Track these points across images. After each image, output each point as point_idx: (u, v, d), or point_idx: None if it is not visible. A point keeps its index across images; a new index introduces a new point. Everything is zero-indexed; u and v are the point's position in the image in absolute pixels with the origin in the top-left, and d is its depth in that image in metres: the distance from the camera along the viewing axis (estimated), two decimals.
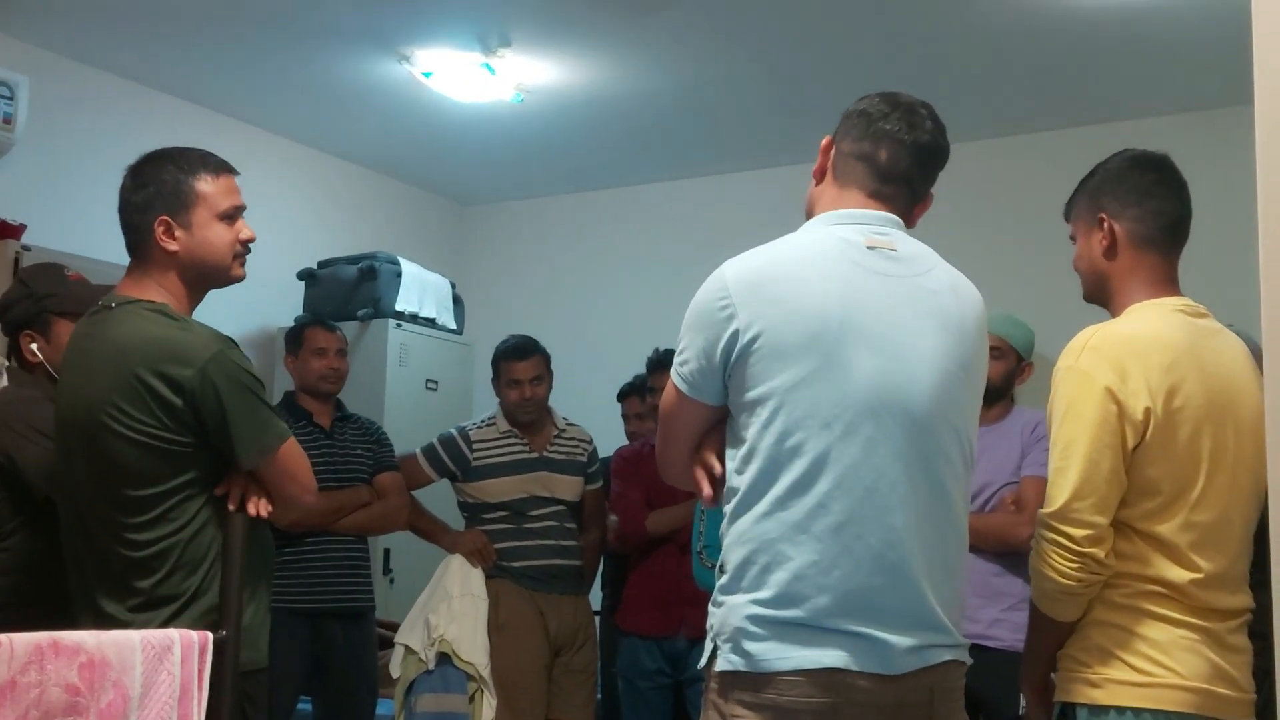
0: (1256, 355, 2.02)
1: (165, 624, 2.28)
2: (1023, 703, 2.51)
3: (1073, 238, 2.36)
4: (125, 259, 2.54)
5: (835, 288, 1.96)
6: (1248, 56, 1.84)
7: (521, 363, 4.15)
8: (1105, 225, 2.26)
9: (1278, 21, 1.81)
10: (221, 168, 2.52)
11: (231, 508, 2.35)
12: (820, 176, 2.17)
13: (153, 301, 2.42)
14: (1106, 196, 2.27)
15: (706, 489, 2.10)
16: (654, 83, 4.92)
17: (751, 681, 1.92)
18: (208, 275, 2.50)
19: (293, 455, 2.42)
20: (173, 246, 2.44)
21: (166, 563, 2.32)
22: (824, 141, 2.18)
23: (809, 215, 2.16)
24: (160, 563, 2.32)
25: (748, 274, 2.00)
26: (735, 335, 1.96)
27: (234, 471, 2.39)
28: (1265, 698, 2.06)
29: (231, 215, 2.49)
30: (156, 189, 2.44)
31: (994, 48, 4.49)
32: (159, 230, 2.43)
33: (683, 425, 2.11)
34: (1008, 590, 3.36)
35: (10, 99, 4.32)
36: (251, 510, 2.36)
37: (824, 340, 1.93)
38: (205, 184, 2.47)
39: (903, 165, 2.10)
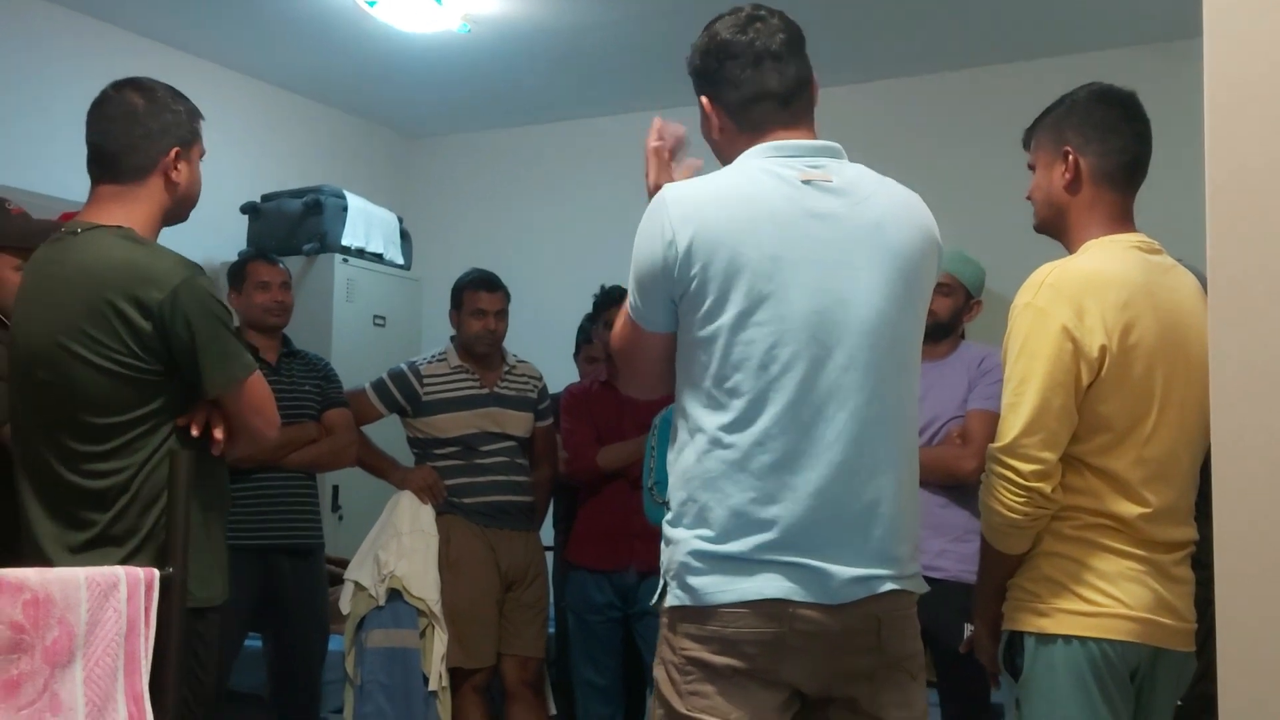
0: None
1: (123, 563, 2.26)
2: (967, 631, 2.56)
3: (1031, 166, 2.36)
4: (68, 193, 2.52)
5: (771, 227, 1.97)
6: None
7: (489, 294, 4.18)
8: (1070, 159, 2.25)
9: None
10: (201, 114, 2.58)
11: (195, 433, 2.34)
12: (716, 131, 2.16)
13: (119, 227, 2.39)
14: (1071, 129, 2.27)
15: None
16: (605, 13, 4.87)
17: (697, 615, 1.97)
18: (181, 211, 2.54)
19: (259, 388, 2.42)
20: (177, 178, 2.47)
21: (124, 496, 2.31)
22: (704, 103, 2.16)
23: (725, 164, 2.15)
24: (117, 495, 2.31)
25: (686, 203, 2.00)
26: (681, 266, 1.96)
27: (199, 402, 2.37)
28: (1207, 627, 2.11)
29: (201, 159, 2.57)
30: (174, 120, 2.48)
31: None
32: (171, 158, 2.46)
33: (640, 353, 2.13)
34: (953, 521, 3.40)
35: None
36: (218, 435, 2.36)
37: (760, 280, 1.95)
38: (201, 126, 2.55)
39: (790, 72, 2.11)
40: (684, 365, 2.03)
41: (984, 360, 3.54)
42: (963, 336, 3.72)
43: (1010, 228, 3.15)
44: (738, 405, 1.95)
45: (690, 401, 2.01)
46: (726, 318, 1.95)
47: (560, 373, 4.64)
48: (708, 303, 1.96)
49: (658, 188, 2.15)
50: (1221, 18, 1.81)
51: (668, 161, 2.26)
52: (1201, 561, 2.06)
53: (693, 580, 1.96)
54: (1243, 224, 1.78)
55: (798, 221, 1.98)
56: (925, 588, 2.10)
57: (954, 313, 3.61)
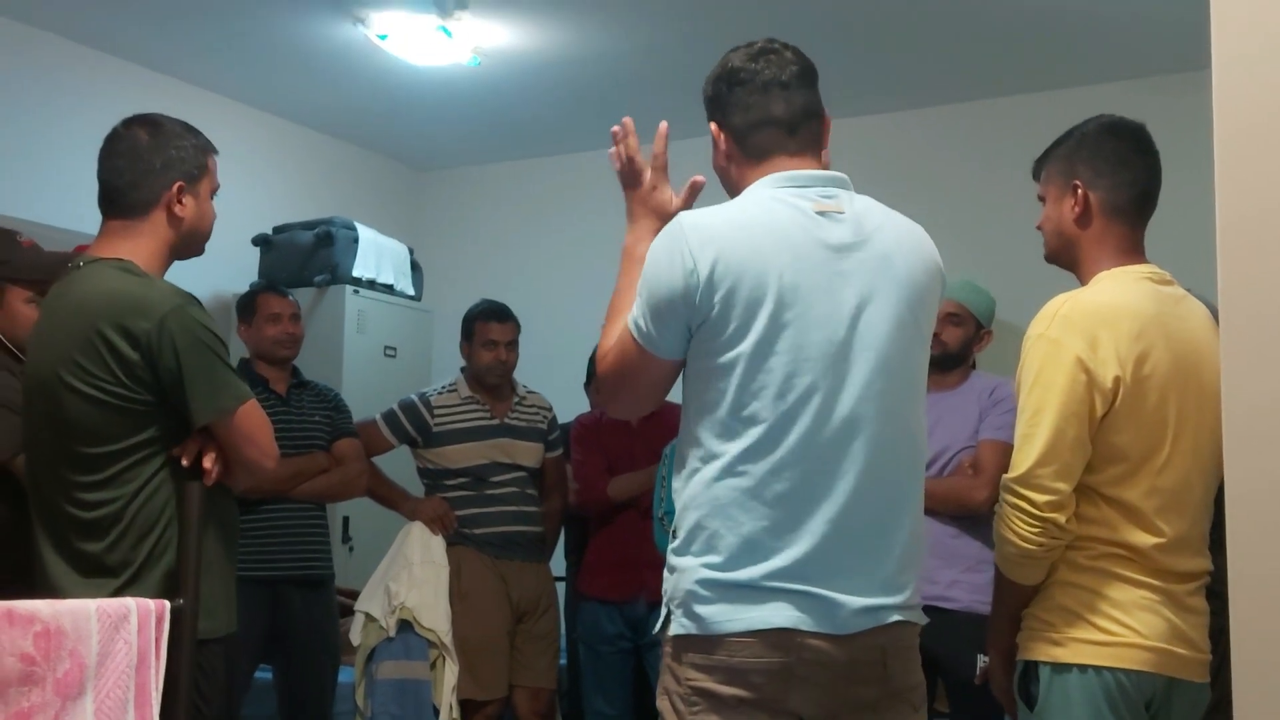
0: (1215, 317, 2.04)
1: (118, 593, 2.25)
2: (980, 663, 2.54)
3: (1041, 198, 2.36)
4: (79, 225, 2.52)
5: (787, 258, 1.97)
6: (1204, 20, 1.84)
7: (500, 324, 4.19)
8: (1079, 192, 2.26)
9: None
10: (214, 148, 2.57)
11: (185, 463, 2.32)
12: (724, 158, 2.16)
13: (120, 259, 2.39)
14: (1082, 163, 2.27)
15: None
16: (614, 46, 4.89)
17: (703, 644, 1.95)
18: (191, 246, 2.53)
19: (252, 418, 2.39)
20: (181, 212, 2.45)
21: (117, 526, 2.30)
22: (712, 129, 2.17)
23: (734, 197, 2.15)
24: (110, 525, 2.30)
25: (705, 230, 1.99)
26: (702, 296, 1.95)
27: (194, 433, 2.36)
28: (1221, 657, 2.11)
29: (214, 194, 2.55)
30: (179, 154, 2.47)
31: (949, 15, 4.49)
32: (174, 192, 2.44)
33: (640, 378, 2.10)
34: (965, 552, 3.39)
35: None
36: (206, 465, 2.33)
37: (780, 309, 1.95)
38: (212, 161, 2.53)
39: (799, 101, 2.12)
40: (697, 392, 2.02)
41: (995, 390, 3.53)
42: (973, 366, 3.72)
43: (1022, 257, 3.14)
44: (754, 433, 1.94)
45: (703, 429, 2.00)
46: (746, 346, 1.95)
47: (570, 403, 4.64)
48: (728, 331, 1.95)
49: (656, 196, 2.20)
50: (1230, 49, 1.81)
51: (663, 169, 2.27)
52: (1215, 591, 2.06)
53: (699, 609, 1.94)
54: (1253, 254, 1.78)
55: (813, 251, 1.99)
56: (925, 619, 2.09)
57: (964, 343, 3.61)
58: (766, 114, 2.10)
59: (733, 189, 2.16)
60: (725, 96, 2.14)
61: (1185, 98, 3.21)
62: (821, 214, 2.02)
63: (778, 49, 2.14)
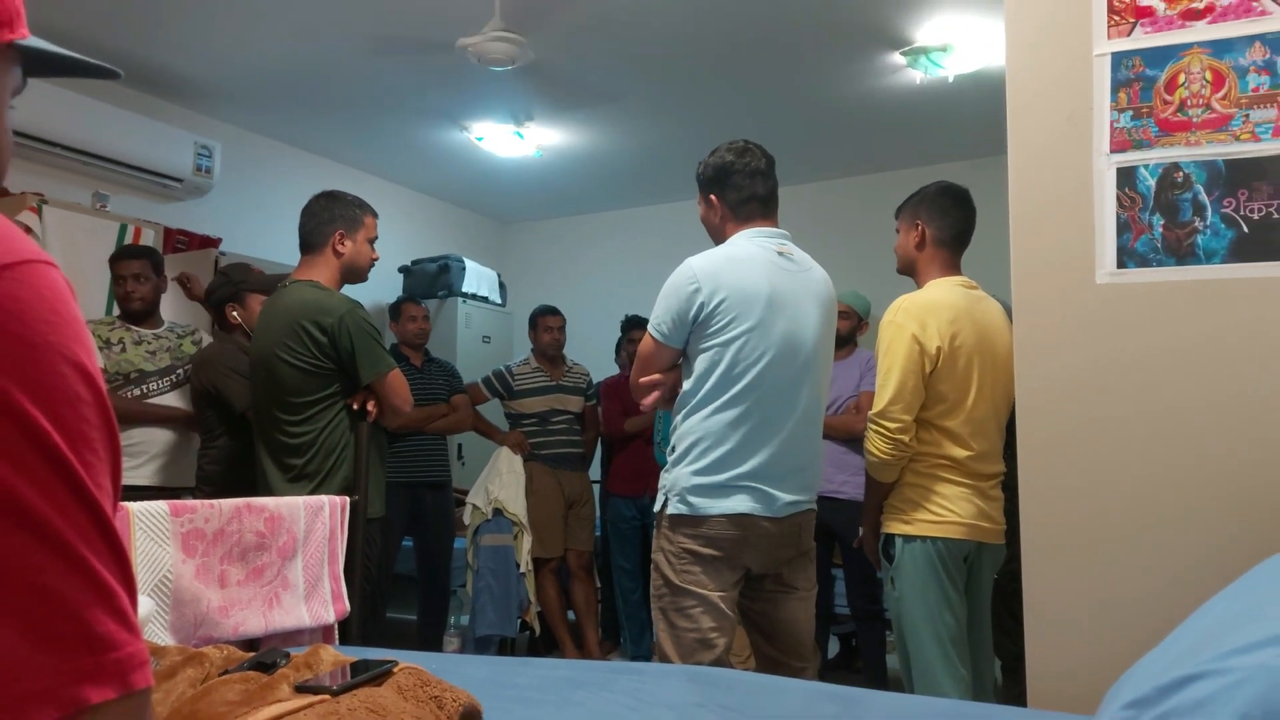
0: (1009, 313, 2.05)
1: (313, 491, 2.29)
2: (860, 534, 2.54)
3: (897, 231, 2.37)
4: (287, 260, 2.52)
5: (764, 277, 1.99)
6: (1004, 122, 1.84)
7: (554, 317, 4.19)
8: (919, 228, 2.26)
9: (1025, 98, 1.81)
10: (374, 212, 2.55)
11: (355, 407, 2.36)
12: (718, 218, 2.14)
13: (311, 280, 2.42)
14: (923, 211, 2.27)
15: (651, 397, 2.09)
16: (631, 142, 4.87)
17: (692, 521, 1.96)
18: (354, 274, 2.50)
19: (398, 379, 2.41)
20: (341, 250, 2.44)
21: (313, 448, 2.33)
22: (712, 199, 2.14)
23: (718, 240, 2.14)
24: (309, 448, 2.33)
25: (708, 265, 2.01)
26: (701, 305, 1.97)
27: (361, 389, 2.39)
28: (1013, 527, 2.11)
29: (373, 241, 2.52)
30: (341, 212, 2.46)
31: (836, 118, 4.46)
32: (336, 237, 2.43)
33: (656, 363, 2.10)
34: (851, 463, 3.40)
35: (210, 157, 4.23)
36: (370, 408, 2.36)
37: (757, 308, 1.96)
38: (368, 218, 2.51)
39: (771, 185, 2.13)
40: (699, 361, 2.01)
41: (870, 360, 3.53)
42: (856, 345, 3.71)
43: (887, 278, 3.13)
44: (736, 388, 1.96)
45: (703, 384, 1.99)
46: (734, 332, 1.96)
47: (602, 368, 4.64)
48: (723, 323, 1.97)
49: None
50: (1020, 141, 1.81)
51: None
52: (1009, 485, 2.06)
53: (691, 498, 1.96)
54: (1034, 270, 1.78)
55: (777, 277, 2.01)
56: (816, 507, 2.10)
57: (851, 330, 3.61)
58: (752, 193, 2.09)
59: (717, 235, 2.16)
60: (725, 179, 2.11)
61: (994, 171, 3.19)
62: (780, 253, 2.05)
63: (752, 148, 2.13)
